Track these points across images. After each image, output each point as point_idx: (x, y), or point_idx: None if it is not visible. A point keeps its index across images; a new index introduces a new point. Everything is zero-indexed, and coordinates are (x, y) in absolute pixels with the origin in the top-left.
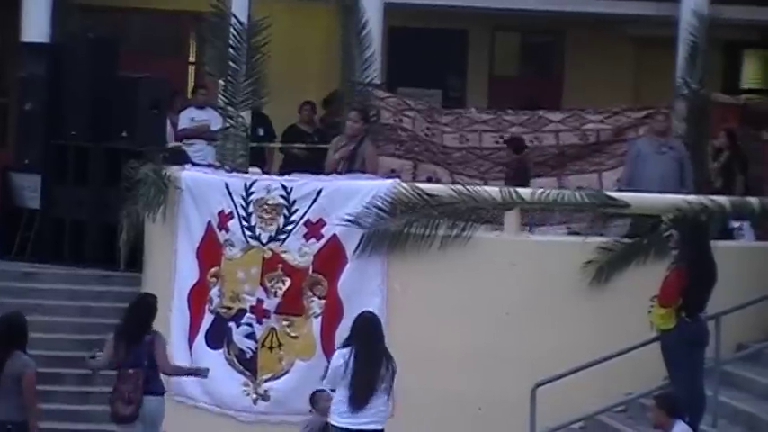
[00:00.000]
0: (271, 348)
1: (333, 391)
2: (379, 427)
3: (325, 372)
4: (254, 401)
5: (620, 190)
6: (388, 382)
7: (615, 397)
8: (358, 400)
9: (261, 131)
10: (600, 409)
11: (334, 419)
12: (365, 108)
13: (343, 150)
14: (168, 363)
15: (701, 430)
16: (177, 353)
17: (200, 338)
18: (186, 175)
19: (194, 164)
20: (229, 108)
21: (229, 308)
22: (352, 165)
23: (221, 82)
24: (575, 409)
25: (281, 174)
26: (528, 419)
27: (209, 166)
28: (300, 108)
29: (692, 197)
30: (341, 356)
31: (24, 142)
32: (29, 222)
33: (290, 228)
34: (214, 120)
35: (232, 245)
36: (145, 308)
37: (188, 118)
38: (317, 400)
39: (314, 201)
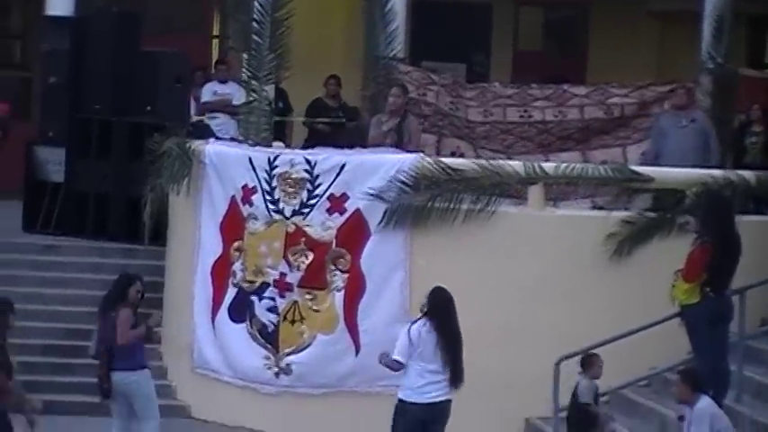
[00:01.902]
0: (293, 322)
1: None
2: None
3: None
4: (276, 375)
5: (644, 164)
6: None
7: (639, 371)
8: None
9: (281, 105)
10: (623, 384)
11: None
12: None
13: (390, 123)
14: (123, 334)
15: (724, 405)
16: (200, 326)
17: (223, 312)
18: (210, 148)
19: (218, 138)
20: (253, 82)
21: (252, 282)
22: (399, 140)
23: (245, 56)
24: (598, 383)
25: (305, 148)
26: (551, 394)
27: (233, 140)
28: (326, 82)
29: (716, 171)
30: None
31: (48, 116)
32: (53, 196)
33: (313, 202)
34: (236, 93)
35: (255, 219)
36: (116, 285)
37: (211, 91)
38: (592, 364)
39: (337, 175)
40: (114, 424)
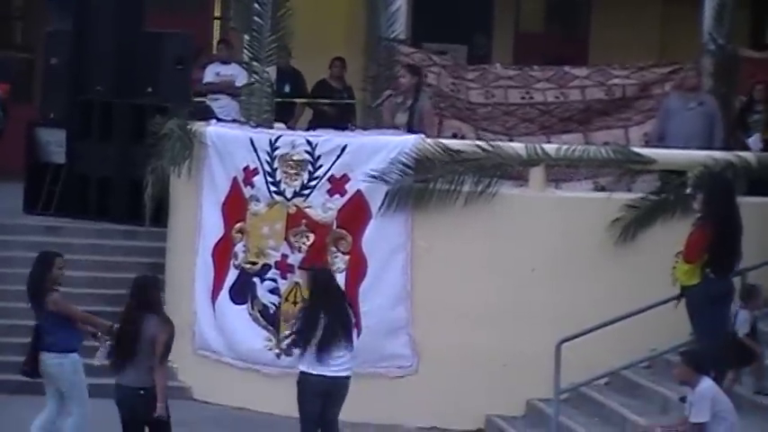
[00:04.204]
0: (295, 303)
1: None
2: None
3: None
4: (278, 356)
5: (648, 145)
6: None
7: (640, 353)
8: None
9: (287, 87)
10: (624, 365)
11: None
12: (414, 63)
13: (404, 107)
14: (75, 315)
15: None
16: (201, 308)
17: (225, 294)
18: (211, 130)
19: (219, 119)
20: (254, 63)
21: (254, 263)
22: (411, 121)
23: (246, 37)
24: (599, 365)
25: (309, 129)
26: (553, 376)
27: (235, 121)
28: (331, 64)
29: (718, 153)
30: None
31: (50, 97)
32: (54, 177)
33: (314, 183)
34: (239, 75)
35: (257, 200)
36: (37, 265)
37: (213, 72)
38: (755, 296)
39: (338, 156)
40: (47, 405)
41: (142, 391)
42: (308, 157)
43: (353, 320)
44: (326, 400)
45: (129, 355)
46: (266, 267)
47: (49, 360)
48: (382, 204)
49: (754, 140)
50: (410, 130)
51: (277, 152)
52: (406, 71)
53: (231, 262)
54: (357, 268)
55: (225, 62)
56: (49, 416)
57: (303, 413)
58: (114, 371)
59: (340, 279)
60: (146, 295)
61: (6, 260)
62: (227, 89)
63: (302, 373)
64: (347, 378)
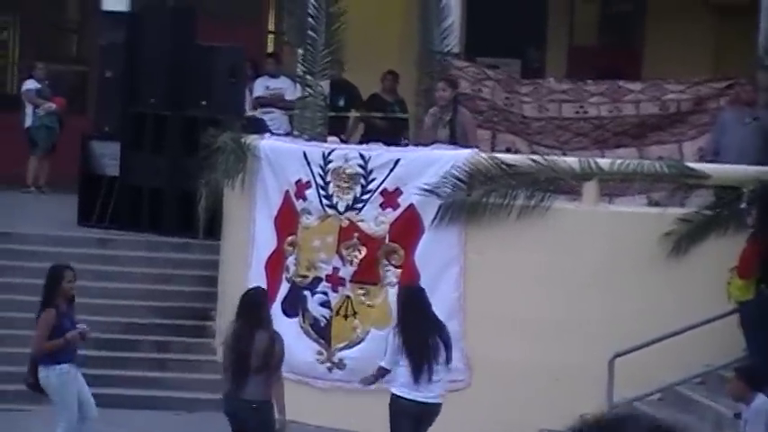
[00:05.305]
0: (345, 317)
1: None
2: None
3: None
4: (330, 369)
5: (702, 160)
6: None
7: (693, 368)
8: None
9: (342, 101)
10: (678, 381)
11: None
12: (452, 76)
13: (443, 116)
14: (38, 342)
15: None
16: None
17: (277, 306)
18: (265, 143)
19: (272, 133)
20: (308, 77)
21: (305, 276)
22: (452, 135)
23: (300, 51)
24: (653, 380)
25: (361, 143)
26: (606, 390)
27: (288, 134)
28: (383, 77)
29: None
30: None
31: (103, 110)
32: (108, 190)
33: (366, 197)
34: (289, 88)
35: (309, 213)
36: (47, 278)
37: (263, 86)
38: None
39: (391, 170)
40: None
41: (255, 405)
42: (360, 170)
43: (449, 342)
44: (417, 425)
45: (245, 372)
46: (317, 280)
47: (40, 372)
48: (435, 218)
49: None
50: (451, 143)
51: (330, 166)
52: (446, 84)
53: (283, 275)
54: (410, 281)
55: (273, 76)
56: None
57: None
58: (230, 386)
59: (392, 293)
60: (256, 312)
61: None
62: (277, 102)
63: (394, 395)
64: (439, 405)
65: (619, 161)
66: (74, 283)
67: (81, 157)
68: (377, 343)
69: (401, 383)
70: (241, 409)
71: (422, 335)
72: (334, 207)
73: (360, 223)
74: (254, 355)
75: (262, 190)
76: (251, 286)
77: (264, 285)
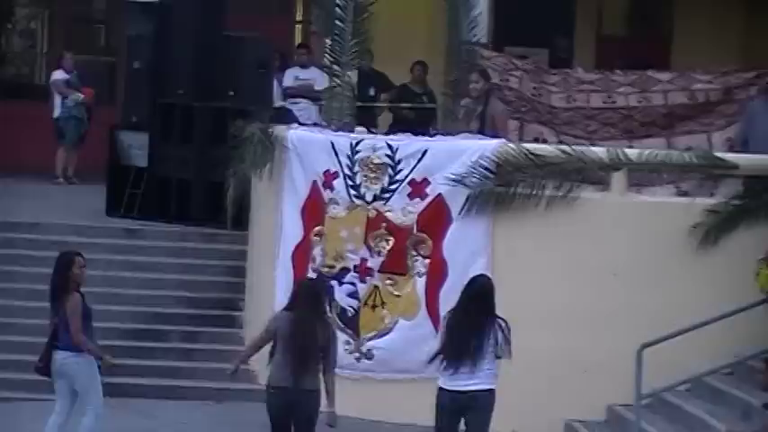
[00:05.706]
0: (374, 307)
1: None
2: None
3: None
4: (358, 359)
5: (731, 149)
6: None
7: (722, 358)
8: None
9: (372, 91)
10: (707, 371)
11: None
12: (484, 67)
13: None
14: (74, 324)
15: None
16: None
17: None
18: (292, 134)
19: (300, 123)
20: (335, 67)
21: (332, 266)
22: (482, 126)
23: (328, 41)
24: (681, 371)
25: (388, 133)
26: (634, 380)
27: (316, 125)
28: (412, 68)
29: None
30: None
31: (131, 101)
32: (136, 180)
33: (394, 187)
34: (318, 79)
35: (336, 204)
36: (57, 265)
37: (292, 77)
38: None
39: (419, 160)
40: (56, 404)
41: (314, 394)
42: (388, 160)
43: (502, 332)
44: (466, 416)
45: (306, 363)
46: (344, 271)
47: (66, 359)
48: (463, 208)
49: None
50: (481, 134)
51: (358, 156)
52: (480, 76)
53: (310, 265)
54: (437, 272)
55: (304, 66)
56: (64, 416)
57: (436, 429)
58: (289, 377)
59: (420, 283)
60: (317, 302)
61: (90, 262)
62: (307, 93)
63: (438, 388)
64: (485, 391)
65: (647, 151)
66: (84, 269)
67: (109, 148)
68: (405, 333)
69: (442, 376)
70: (298, 399)
71: (467, 324)
72: (361, 197)
73: (387, 213)
74: (315, 347)
75: (289, 180)
76: (309, 276)
77: (292, 275)
